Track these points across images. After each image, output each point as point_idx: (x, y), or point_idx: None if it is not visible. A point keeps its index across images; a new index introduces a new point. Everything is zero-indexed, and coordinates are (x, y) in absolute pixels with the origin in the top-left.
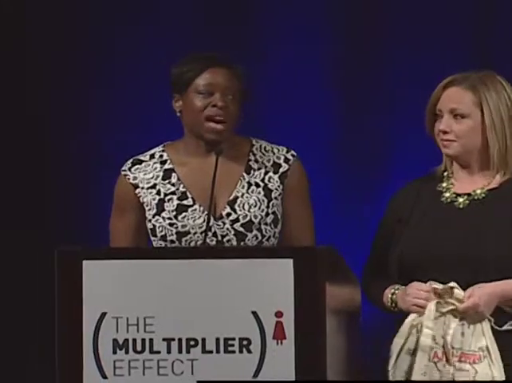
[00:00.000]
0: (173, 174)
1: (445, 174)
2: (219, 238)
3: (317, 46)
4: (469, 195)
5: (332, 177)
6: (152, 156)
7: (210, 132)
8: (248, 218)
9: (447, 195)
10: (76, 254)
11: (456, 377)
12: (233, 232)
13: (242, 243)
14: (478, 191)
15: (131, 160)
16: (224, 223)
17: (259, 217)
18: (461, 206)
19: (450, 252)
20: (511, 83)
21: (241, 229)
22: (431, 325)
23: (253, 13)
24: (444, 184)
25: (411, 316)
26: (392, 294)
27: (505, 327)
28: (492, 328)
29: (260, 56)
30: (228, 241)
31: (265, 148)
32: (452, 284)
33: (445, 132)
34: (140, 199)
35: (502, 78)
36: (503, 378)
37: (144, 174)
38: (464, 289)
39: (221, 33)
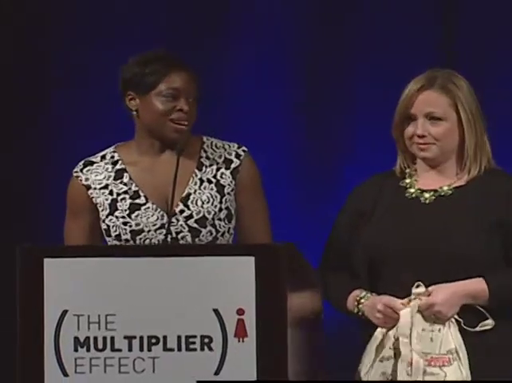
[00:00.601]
0: (125, 174)
1: (407, 171)
2: (174, 235)
3: (278, 46)
4: (435, 191)
5: (292, 176)
6: (103, 157)
7: (173, 132)
8: (201, 214)
9: (412, 190)
10: (38, 251)
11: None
12: (187, 229)
13: (196, 240)
14: (445, 188)
15: (82, 162)
16: (178, 220)
17: (213, 213)
18: (427, 201)
19: (416, 247)
20: (475, 83)
21: (195, 225)
22: (407, 334)
23: (215, 14)
24: (407, 181)
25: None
26: (358, 303)
27: (477, 328)
28: (464, 329)
29: (222, 55)
30: (183, 238)
31: (216, 144)
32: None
33: (422, 136)
34: (93, 200)
35: (460, 75)
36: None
37: (96, 175)
38: (431, 284)
39: (180, 31)
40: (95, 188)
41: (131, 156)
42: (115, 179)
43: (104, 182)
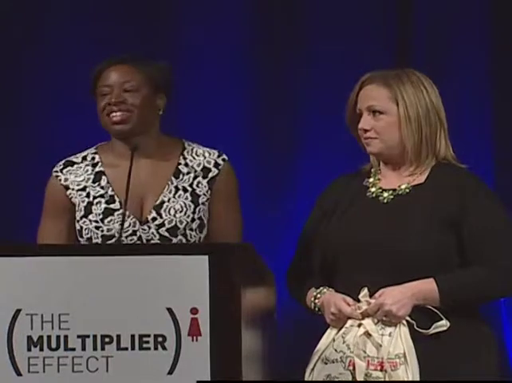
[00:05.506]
0: (103, 177)
1: (372, 170)
2: (144, 242)
3: (230, 46)
4: (394, 190)
5: (250, 177)
6: (84, 158)
7: (112, 125)
8: (173, 223)
9: (373, 189)
10: None
11: None
12: (158, 237)
13: None
14: (403, 187)
15: (63, 161)
16: (149, 228)
17: (185, 222)
18: (385, 200)
19: (370, 246)
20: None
21: (166, 234)
22: (347, 337)
23: (170, 15)
24: (371, 180)
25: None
26: (315, 298)
27: (431, 330)
28: (416, 331)
29: (174, 56)
30: None
31: (196, 151)
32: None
33: (366, 131)
34: (72, 200)
35: (420, 73)
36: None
37: (75, 176)
38: (385, 284)
39: (134, 30)
40: (73, 189)
41: (111, 159)
42: (93, 181)
43: (83, 184)
